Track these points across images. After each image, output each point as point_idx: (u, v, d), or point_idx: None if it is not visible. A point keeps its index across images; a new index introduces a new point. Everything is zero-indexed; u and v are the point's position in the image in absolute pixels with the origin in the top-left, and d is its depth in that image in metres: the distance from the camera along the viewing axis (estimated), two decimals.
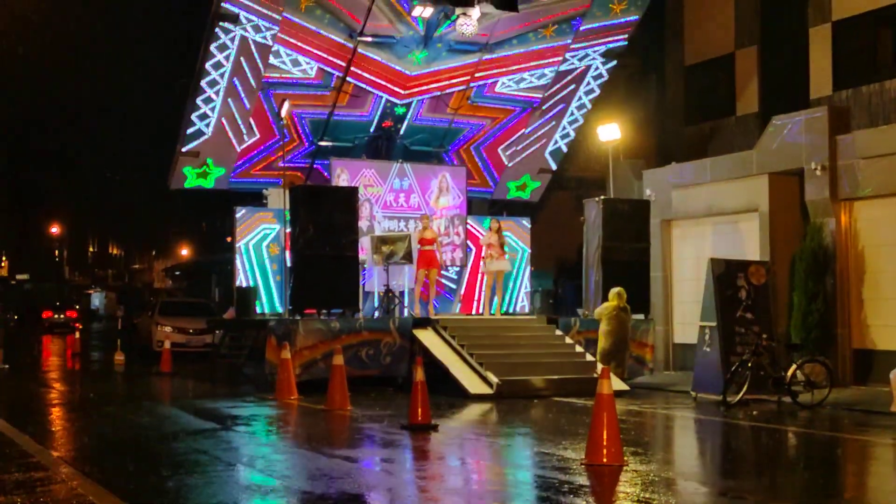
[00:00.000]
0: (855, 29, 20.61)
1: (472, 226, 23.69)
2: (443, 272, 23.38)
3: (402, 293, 21.50)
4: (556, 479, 9.64)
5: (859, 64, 20.52)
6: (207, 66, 20.59)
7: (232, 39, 20.35)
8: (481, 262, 21.77)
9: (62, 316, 50.41)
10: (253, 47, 20.54)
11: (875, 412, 15.53)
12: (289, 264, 19.94)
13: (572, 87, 23.65)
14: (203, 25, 20.71)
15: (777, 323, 18.76)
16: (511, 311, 23.83)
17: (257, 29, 20.32)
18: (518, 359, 18.58)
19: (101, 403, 17.12)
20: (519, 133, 24.21)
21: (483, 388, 17.40)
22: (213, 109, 21.06)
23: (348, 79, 21.86)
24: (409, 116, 23.22)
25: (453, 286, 23.87)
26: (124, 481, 9.31)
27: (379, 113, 22.95)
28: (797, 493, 9.69)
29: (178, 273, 61.02)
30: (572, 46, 22.76)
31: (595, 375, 15.74)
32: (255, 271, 21.89)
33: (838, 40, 20.87)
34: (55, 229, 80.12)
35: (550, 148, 24.68)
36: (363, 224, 21.49)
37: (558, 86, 23.52)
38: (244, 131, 21.66)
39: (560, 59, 22.96)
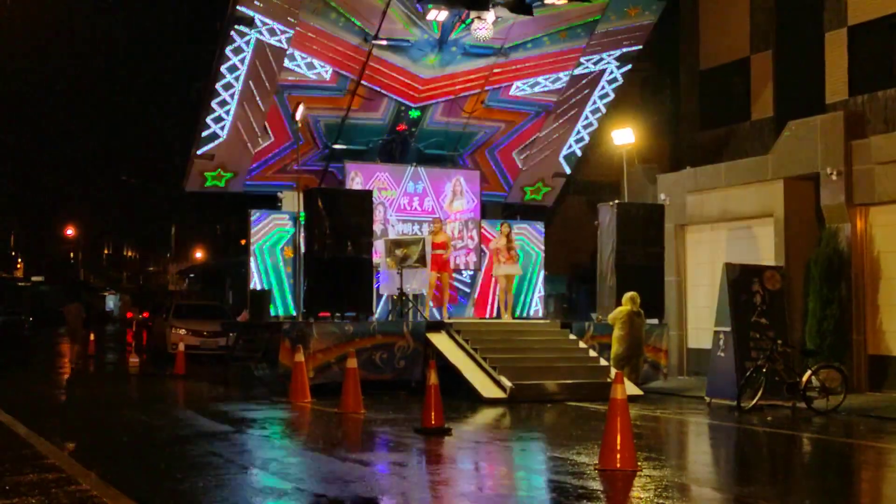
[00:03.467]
0: (871, 34, 20.53)
1: (486, 229, 23.67)
2: (456, 275, 23.41)
3: (415, 296, 21.49)
4: (570, 484, 9.62)
5: (875, 69, 20.44)
6: (222, 69, 20.64)
7: (247, 43, 20.40)
8: (494, 266, 21.78)
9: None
10: (268, 50, 20.58)
11: (890, 419, 15.46)
12: (302, 267, 19.98)
13: (587, 91, 23.62)
14: (219, 29, 20.77)
15: (792, 328, 18.70)
16: (525, 315, 23.80)
17: (272, 32, 20.37)
18: (531, 363, 18.57)
19: (115, 405, 17.17)
20: (533, 137, 24.19)
21: (496, 392, 17.38)
22: (228, 112, 21.11)
23: (363, 82, 21.89)
24: (423, 120, 23.23)
25: (467, 290, 23.86)
26: (138, 483, 9.33)
27: (393, 116, 22.97)
28: (812, 499, 9.64)
29: (192, 275, 61.09)
30: (587, 50, 22.74)
31: (609, 380, 15.75)
32: (269, 274, 21.92)
33: (854, 45, 20.80)
34: (70, 231, 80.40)
35: (565, 152, 24.65)
36: (377, 227, 21.51)
37: (573, 90, 23.50)
38: (259, 134, 21.72)
39: (575, 63, 22.93)
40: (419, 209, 23.01)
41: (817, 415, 15.91)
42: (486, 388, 17.50)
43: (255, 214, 22.20)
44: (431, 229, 21.48)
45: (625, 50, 23.00)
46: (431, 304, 21.26)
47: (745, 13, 23.65)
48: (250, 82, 20.85)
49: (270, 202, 23.51)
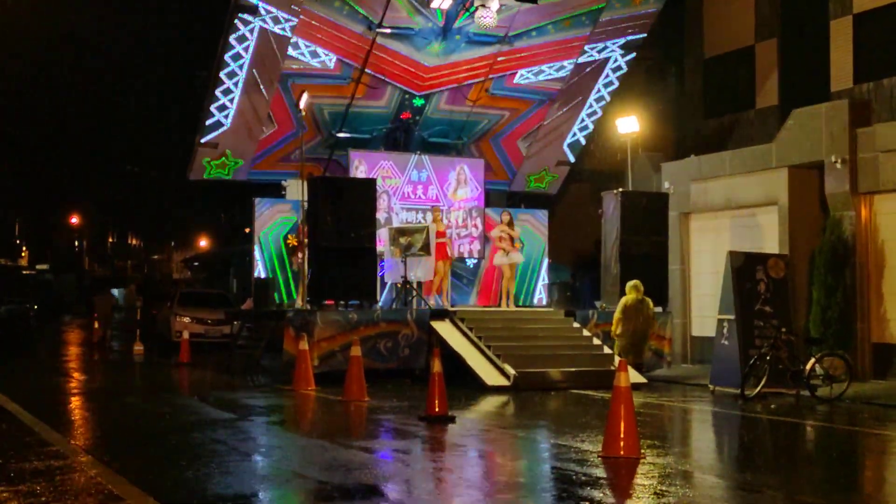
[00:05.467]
0: (876, 21, 20.46)
1: (489, 218, 23.66)
2: (460, 264, 23.42)
3: (419, 284, 21.50)
4: (573, 472, 9.63)
5: (881, 57, 20.37)
6: (227, 57, 20.63)
7: (251, 31, 20.38)
8: (495, 256, 21.77)
9: None
10: (272, 39, 20.56)
11: (894, 406, 15.46)
12: (307, 255, 19.99)
13: (591, 79, 23.59)
14: (223, 17, 20.76)
15: (796, 316, 18.69)
16: (529, 303, 23.82)
17: (276, 20, 20.34)
18: (535, 351, 18.59)
19: (120, 393, 17.22)
20: (537, 125, 24.17)
21: (500, 380, 17.41)
22: (232, 101, 21.11)
23: (367, 70, 21.87)
24: (427, 108, 23.21)
25: (471, 278, 23.87)
26: (142, 471, 9.36)
27: (397, 105, 22.96)
28: (815, 487, 9.66)
29: (196, 264, 61.12)
30: (591, 39, 22.69)
31: (612, 368, 15.76)
32: (273, 262, 21.95)
33: (859, 33, 20.72)
34: (75, 220, 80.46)
35: (569, 140, 24.64)
36: (381, 216, 21.52)
37: (577, 78, 23.47)
38: (263, 123, 21.71)
39: (579, 51, 22.90)
40: (423, 197, 23.00)
41: (821, 403, 15.92)
42: (490, 375, 17.52)
43: (258, 203, 22.23)
44: (431, 218, 21.48)
45: (629, 38, 22.96)
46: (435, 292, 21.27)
47: (749, 1, 23.58)
48: (254, 71, 20.84)
49: (274, 191, 23.52)
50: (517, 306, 22.02)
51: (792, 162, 20.10)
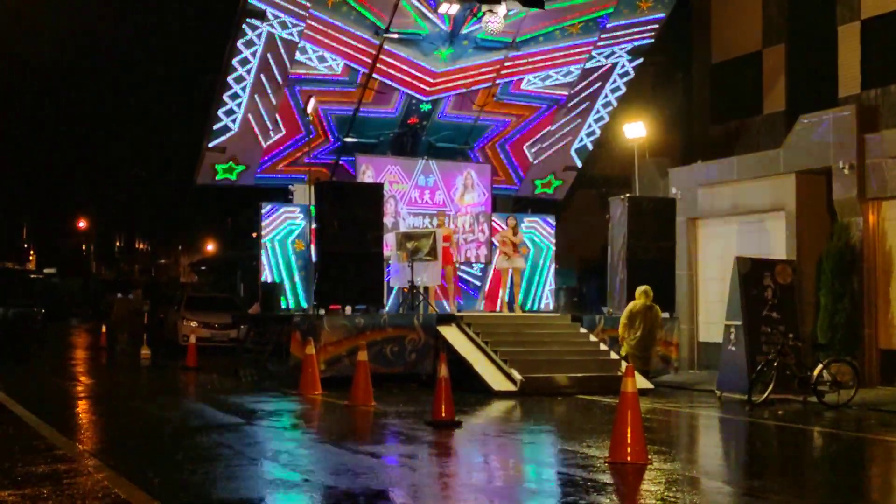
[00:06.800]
0: (884, 27, 20.44)
1: (496, 223, 23.66)
2: (467, 269, 23.42)
3: (426, 289, 21.51)
4: (580, 477, 9.63)
5: (888, 62, 20.35)
6: (234, 62, 20.65)
7: (259, 36, 20.41)
8: (499, 260, 21.78)
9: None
10: (279, 44, 20.59)
11: None
12: (314, 260, 20.02)
13: (598, 84, 23.57)
14: (230, 21, 20.80)
15: (803, 322, 18.66)
16: (535, 308, 23.80)
17: (284, 25, 20.37)
18: (542, 356, 18.58)
19: (126, 397, 17.24)
20: (545, 130, 24.16)
21: (507, 385, 17.40)
22: (239, 105, 21.12)
23: (374, 75, 21.88)
24: (434, 113, 23.21)
25: (477, 283, 23.86)
26: (149, 474, 9.37)
27: (404, 110, 22.96)
28: (822, 493, 9.64)
29: (203, 268, 61.18)
30: (599, 44, 22.70)
31: (619, 374, 15.75)
32: (280, 267, 21.97)
33: (867, 38, 20.71)
34: (82, 224, 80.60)
35: (576, 146, 24.62)
36: (388, 220, 21.53)
37: (584, 83, 23.45)
38: (270, 127, 21.73)
39: (586, 56, 22.90)
40: (430, 202, 23.00)
41: (828, 409, 15.89)
42: (497, 380, 17.52)
43: (266, 207, 22.23)
44: (437, 223, 21.50)
45: (637, 43, 22.94)
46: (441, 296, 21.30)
47: (757, 6, 23.58)
48: (262, 75, 20.86)
49: (281, 195, 23.53)
50: (524, 311, 22.02)
51: (799, 168, 20.08)
